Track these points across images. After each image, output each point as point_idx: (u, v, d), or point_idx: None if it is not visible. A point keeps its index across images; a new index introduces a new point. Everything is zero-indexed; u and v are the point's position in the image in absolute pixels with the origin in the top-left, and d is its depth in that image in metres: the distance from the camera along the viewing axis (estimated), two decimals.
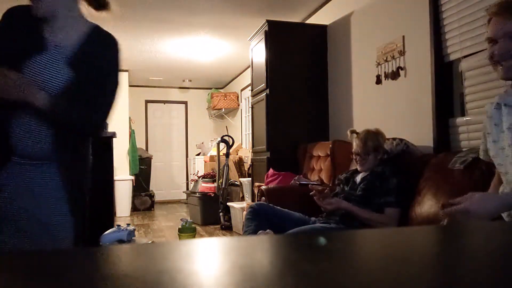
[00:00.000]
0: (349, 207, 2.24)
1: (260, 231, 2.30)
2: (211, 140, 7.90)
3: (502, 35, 1.31)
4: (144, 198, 7.14)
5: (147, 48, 5.86)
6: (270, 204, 2.54)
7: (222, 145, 5.57)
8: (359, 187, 2.35)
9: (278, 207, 2.51)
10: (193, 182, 6.55)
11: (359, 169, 2.44)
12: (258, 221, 2.41)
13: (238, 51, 5.94)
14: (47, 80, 1.33)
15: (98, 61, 1.42)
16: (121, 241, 2.66)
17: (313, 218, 2.46)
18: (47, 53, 1.36)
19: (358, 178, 2.42)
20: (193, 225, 3.95)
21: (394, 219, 2.19)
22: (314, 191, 2.34)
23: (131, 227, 2.81)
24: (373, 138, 2.39)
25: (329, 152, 3.38)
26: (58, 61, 1.36)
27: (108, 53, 1.45)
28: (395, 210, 2.20)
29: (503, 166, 1.37)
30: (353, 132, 2.50)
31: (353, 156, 2.44)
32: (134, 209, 6.97)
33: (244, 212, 4.06)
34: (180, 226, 3.90)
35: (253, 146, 4.48)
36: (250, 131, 4.67)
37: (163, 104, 8.66)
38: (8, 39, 1.38)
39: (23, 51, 1.35)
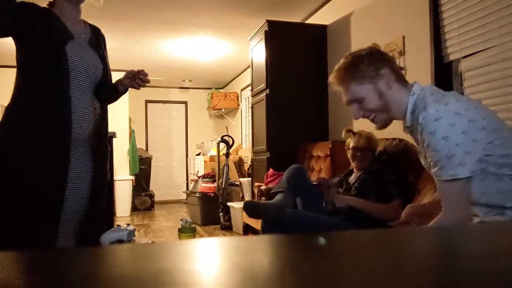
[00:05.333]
0: (358, 203, 2.23)
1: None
2: (211, 140, 7.90)
3: (350, 102, 1.44)
4: (144, 198, 7.13)
5: (147, 48, 5.86)
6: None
7: (222, 145, 5.56)
8: (353, 187, 2.36)
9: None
10: (193, 182, 6.55)
11: (356, 166, 2.46)
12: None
13: (238, 51, 5.94)
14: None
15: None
16: (121, 241, 2.66)
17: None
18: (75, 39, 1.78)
19: (352, 179, 2.45)
20: (193, 225, 3.95)
21: (399, 208, 2.18)
22: (318, 180, 2.33)
23: (131, 227, 2.81)
24: (373, 139, 2.48)
25: (329, 152, 3.38)
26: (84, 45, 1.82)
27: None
28: (398, 201, 2.22)
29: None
30: (349, 131, 2.54)
31: (351, 152, 2.46)
32: (134, 209, 6.96)
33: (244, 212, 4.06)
34: (180, 226, 3.90)
35: (253, 146, 4.48)
36: (250, 131, 4.67)
37: (163, 104, 8.65)
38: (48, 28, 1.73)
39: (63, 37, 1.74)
